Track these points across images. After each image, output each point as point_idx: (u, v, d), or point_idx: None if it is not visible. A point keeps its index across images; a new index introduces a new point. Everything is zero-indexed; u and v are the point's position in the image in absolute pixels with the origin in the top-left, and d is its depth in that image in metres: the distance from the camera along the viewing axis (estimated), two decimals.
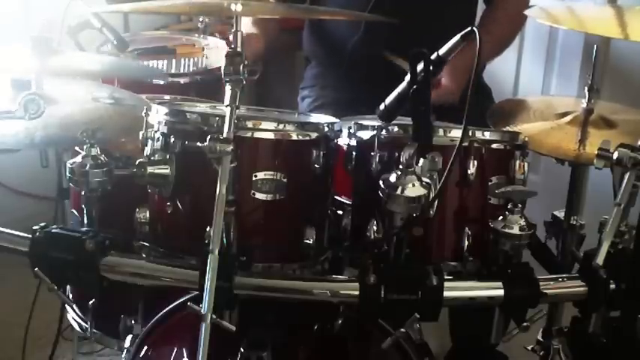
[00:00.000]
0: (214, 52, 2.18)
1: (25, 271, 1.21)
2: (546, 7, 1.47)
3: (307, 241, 1.25)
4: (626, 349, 1.24)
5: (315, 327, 1.36)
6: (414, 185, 1.13)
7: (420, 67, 1.22)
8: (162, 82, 1.93)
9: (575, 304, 1.25)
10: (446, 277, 1.18)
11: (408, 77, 1.24)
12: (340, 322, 1.35)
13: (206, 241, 1.09)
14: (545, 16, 1.46)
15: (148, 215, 1.27)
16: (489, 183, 1.27)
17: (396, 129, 1.27)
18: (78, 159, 1.23)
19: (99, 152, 1.23)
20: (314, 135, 1.24)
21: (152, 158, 1.21)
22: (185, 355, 1.34)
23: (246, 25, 2.00)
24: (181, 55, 2.15)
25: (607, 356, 1.27)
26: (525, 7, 1.71)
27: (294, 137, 1.23)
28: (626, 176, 1.20)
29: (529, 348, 1.46)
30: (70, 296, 1.49)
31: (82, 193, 1.25)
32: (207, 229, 1.10)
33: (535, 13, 1.48)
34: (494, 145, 1.28)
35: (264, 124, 1.21)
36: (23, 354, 1.90)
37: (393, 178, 1.15)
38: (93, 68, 1.56)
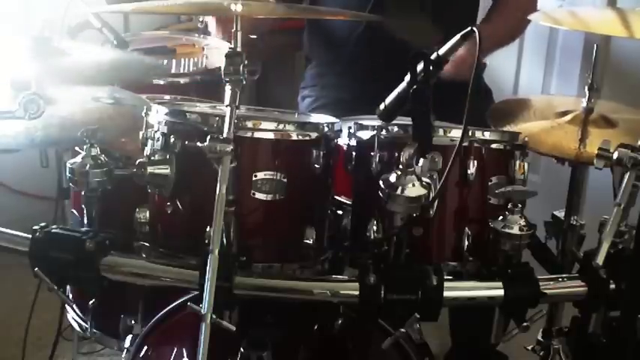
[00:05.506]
0: (214, 52, 2.19)
1: (25, 271, 1.21)
2: (547, 11, 1.48)
3: (307, 241, 1.24)
4: (626, 349, 1.24)
5: (315, 327, 1.36)
6: (414, 185, 1.13)
7: (420, 67, 1.22)
8: (162, 82, 1.94)
9: (575, 304, 1.25)
10: (446, 277, 1.18)
11: (407, 77, 1.24)
12: (340, 322, 1.35)
13: (206, 241, 1.09)
14: (546, 18, 1.46)
15: (148, 215, 1.27)
16: (489, 183, 1.27)
17: (396, 129, 1.26)
18: (78, 159, 1.23)
19: (99, 152, 1.23)
20: (314, 135, 1.24)
21: (152, 158, 1.21)
22: (185, 355, 1.34)
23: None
24: (181, 55, 2.15)
25: (607, 356, 1.27)
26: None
27: (294, 137, 1.23)
28: (626, 176, 1.20)
29: (529, 348, 1.46)
30: (70, 296, 1.49)
31: (82, 193, 1.25)
32: (207, 229, 1.10)
33: (536, 16, 1.48)
34: (494, 145, 1.28)
35: (264, 124, 1.21)
36: (23, 354, 1.90)
37: (393, 178, 1.15)
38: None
